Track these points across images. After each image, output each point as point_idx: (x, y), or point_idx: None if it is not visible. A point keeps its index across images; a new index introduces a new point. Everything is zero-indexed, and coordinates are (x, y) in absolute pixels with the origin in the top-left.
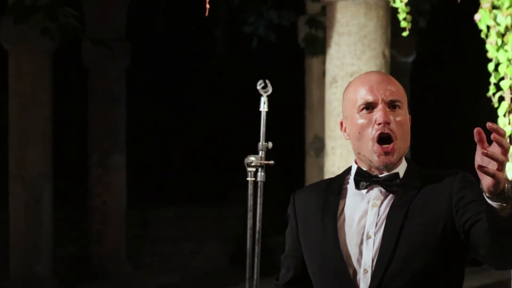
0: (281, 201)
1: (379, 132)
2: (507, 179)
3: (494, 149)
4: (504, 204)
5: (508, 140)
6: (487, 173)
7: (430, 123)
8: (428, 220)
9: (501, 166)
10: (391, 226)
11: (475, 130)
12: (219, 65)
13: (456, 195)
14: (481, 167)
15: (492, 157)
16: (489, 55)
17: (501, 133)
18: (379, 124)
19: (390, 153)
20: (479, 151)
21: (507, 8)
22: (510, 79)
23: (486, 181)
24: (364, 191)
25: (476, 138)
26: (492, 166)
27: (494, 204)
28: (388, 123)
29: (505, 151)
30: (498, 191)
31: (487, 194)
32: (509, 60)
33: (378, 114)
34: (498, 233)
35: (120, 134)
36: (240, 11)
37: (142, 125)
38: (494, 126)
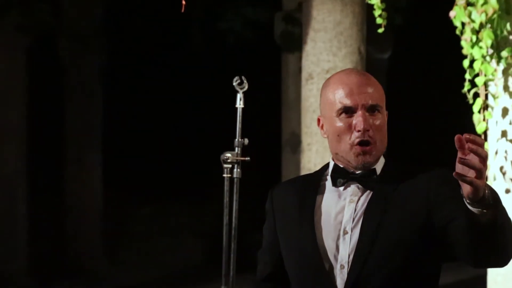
0: (258, 198)
1: (358, 139)
2: (487, 186)
3: (473, 157)
4: (485, 210)
5: (482, 137)
6: (465, 181)
7: (406, 119)
8: (406, 216)
9: (479, 174)
10: (368, 222)
11: (456, 137)
12: (195, 61)
13: (433, 191)
14: (459, 175)
15: (469, 166)
16: (464, 51)
17: (479, 143)
18: (359, 131)
19: (368, 153)
20: (458, 159)
21: (482, 5)
22: (485, 75)
23: (465, 188)
24: (341, 188)
25: (456, 145)
26: (471, 174)
27: (474, 209)
28: (368, 130)
29: (482, 160)
30: (477, 197)
31: (467, 200)
32: (483, 56)
33: (357, 120)
34: (478, 235)
35: (97, 131)
36: (217, 8)
37: (119, 121)
38: (471, 136)
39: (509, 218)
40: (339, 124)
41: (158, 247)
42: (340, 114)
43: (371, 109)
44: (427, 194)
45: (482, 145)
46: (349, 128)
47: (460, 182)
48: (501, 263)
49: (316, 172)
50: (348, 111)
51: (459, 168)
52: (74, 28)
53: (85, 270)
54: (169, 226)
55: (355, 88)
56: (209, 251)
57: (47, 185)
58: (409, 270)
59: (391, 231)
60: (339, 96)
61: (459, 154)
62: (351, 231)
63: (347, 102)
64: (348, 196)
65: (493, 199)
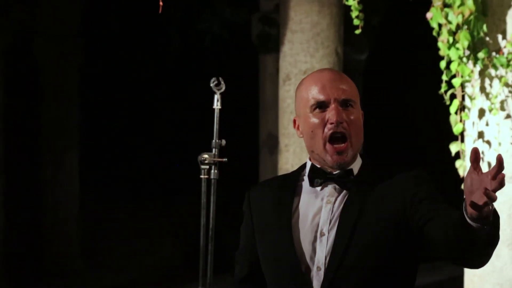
0: (235, 199)
1: (331, 131)
2: (491, 205)
3: (493, 186)
4: (484, 227)
5: (460, 138)
6: (475, 206)
7: (383, 120)
8: (382, 217)
9: (491, 202)
10: (344, 224)
11: (472, 149)
12: (173, 62)
13: (409, 191)
14: (474, 206)
15: (489, 197)
16: (441, 53)
17: (492, 198)
18: (332, 123)
19: (343, 152)
20: (471, 172)
21: (458, 6)
22: (462, 77)
23: (471, 210)
24: (318, 188)
25: (471, 158)
26: (482, 200)
27: (473, 224)
28: (341, 122)
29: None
30: (481, 216)
31: (469, 215)
32: (460, 58)
33: (330, 113)
34: (468, 242)
35: (74, 132)
36: (194, 9)
37: (96, 123)
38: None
39: (499, 233)
40: (313, 119)
41: (135, 249)
42: (314, 109)
43: (344, 104)
44: (403, 194)
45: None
46: (323, 122)
47: (467, 199)
48: (481, 265)
49: (293, 172)
50: (321, 106)
51: (467, 182)
52: (51, 29)
53: (62, 272)
54: (146, 228)
55: (328, 83)
56: (186, 252)
57: (24, 187)
58: (385, 271)
59: (366, 232)
60: (312, 93)
61: (471, 168)
62: (328, 233)
63: (320, 97)
64: (325, 197)
65: (494, 217)
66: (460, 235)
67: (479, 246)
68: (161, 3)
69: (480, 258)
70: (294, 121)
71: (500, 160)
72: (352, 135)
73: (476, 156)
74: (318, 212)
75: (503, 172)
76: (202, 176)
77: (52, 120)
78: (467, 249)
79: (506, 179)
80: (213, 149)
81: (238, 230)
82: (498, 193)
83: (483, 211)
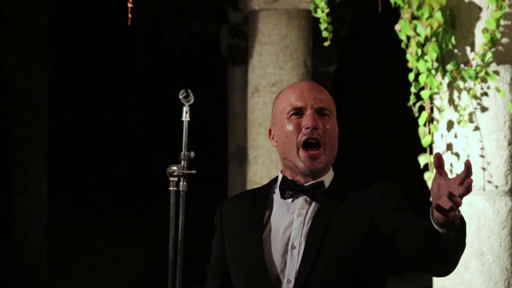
0: (204, 211)
1: (306, 137)
2: (458, 211)
3: (459, 191)
4: (451, 232)
5: (428, 150)
6: (441, 210)
7: (352, 133)
8: (351, 229)
9: (456, 207)
10: (313, 236)
11: (435, 154)
12: (141, 74)
13: (378, 204)
14: (439, 209)
15: (454, 202)
16: (410, 65)
17: (457, 203)
18: (307, 128)
19: (316, 158)
20: (437, 178)
21: (427, 18)
22: (430, 89)
23: (437, 215)
24: (290, 200)
25: (435, 163)
26: (448, 205)
27: (440, 230)
28: (316, 128)
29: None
30: (448, 222)
31: (435, 220)
32: (429, 70)
33: (307, 119)
34: (435, 249)
35: (42, 144)
36: (163, 21)
37: (64, 134)
38: (469, 166)
39: (465, 239)
40: (289, 125)
41: (104, 261)
42: (290, 116)
43: (321, 112)
44: (372, 206)
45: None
46: (298, 127)
47: (434, 204)
48: (448, 272)
49: (264, 185)
50: (298, 112)
51: (434, 188)
52: (19, 41)
53: (30, 284)
54: (115, 240)
55: (305, 91)
56: (155, 265)
57: None
58: (354, 283)
59: (335, 245)
60: (290, 99)
61: (437, 175)
62: (299, 246)
63: (297, 103)
64: (297, 209)
65: (460, 223)
66: (427, 242)
67: (446, 253)
68: (129, 15)
69: (447, 265)
70: (270, 131)
71: (468, 165)
72: (327, 143)
73: (439, 161)
74: (289, 225)
75: (472, 179)
76: (171, 188)
77: (21, 131)
78: (434, 256)
79: (475, 191)
80: (182, 161)
81: (208, 243)
82: (467, 205)
83: (449, 216)
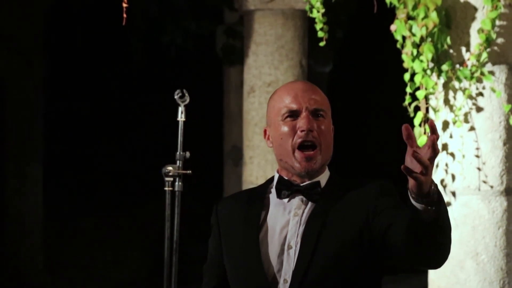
0: (200, 211)
1: (301, 139)
2: (434, 183)
3: (425, 153)
4: (428, 207)
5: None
6: (411, 176)
7: (347, 133)
8: (346, 229)
9: (426, 170)
10: (309, 236)
11: (403, 126)
12: (137, 74)
13: (373, 202)
14: (407, 170)
15: (419, 161)
16: (405, 65)
17: (435, 139)
18: (302, 131)
19: (312, 158)
20: (409, 151)
21: (422, 19)
22: (426, 89)
23: (410, 182)
24: (286, 200)
25: (404, 136)
26: (418, 169)
27: (418, 205)
28: (312, 131)
29: (433, 157)
30: (422, 192)
31: (412, 195)
32: (424, 70)
33: (302, 121)
34: (419, 232)
35: (38, 144)
36: (158, 21)
37: (60, 135)
38: (432, 124)
39: (449, 220)
40: (284, 127)
41: (100, 261)
42: (285, 118)
43: (316, 113)
44: (367, 205)
45: (436, 141)
46: (293, 129)
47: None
48: (438, 263)
49: (261, 185)
50: (293, 114)
51: (407, 161)
52: (14, 41)
53: (26, 285)
54: (111, 240)
55: (300, 92)
56: (151, 265)
57: None
58: (349, 283)
59: (331, 245)
60: (285, 101)
61: (409, 147)
62: (295, 246)
63: (292, 106)
64: (293, 209)
65: (437, 196)
66: (412, 227)
67: (431, 234)
68: (124, 15)
69: (436, 250)
70: (265, 131)
71: (432, 125)
72: (322, 143)
73: (408, 132)
74: (286, 225)
75: (436, 136)
76: (166, 188)
77: (16, 132)
78: (421, 241)
79: (470, 191)
80: (177, 161)
81: (203, 243)
82: (462, 206)
83: (423, 187)
